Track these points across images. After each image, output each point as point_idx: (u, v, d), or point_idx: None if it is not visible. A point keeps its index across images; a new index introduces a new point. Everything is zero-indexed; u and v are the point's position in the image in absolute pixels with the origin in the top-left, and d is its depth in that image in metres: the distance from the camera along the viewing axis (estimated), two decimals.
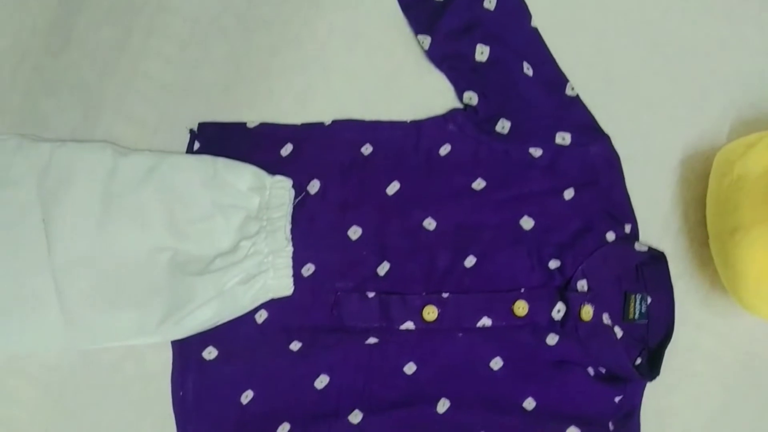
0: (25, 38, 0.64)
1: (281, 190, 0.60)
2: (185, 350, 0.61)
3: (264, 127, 0.63)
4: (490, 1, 0.64)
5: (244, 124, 0.63)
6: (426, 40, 0.64)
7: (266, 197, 0.59)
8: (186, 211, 0.60)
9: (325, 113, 0.64)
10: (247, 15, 0.65)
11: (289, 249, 0.60)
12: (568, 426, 0.60)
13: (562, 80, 0.64)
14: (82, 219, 0.59)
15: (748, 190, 0.55)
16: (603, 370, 0.62)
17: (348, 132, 0.63)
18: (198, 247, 0.60)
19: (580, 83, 0.64)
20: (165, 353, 0.61)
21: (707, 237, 0.64)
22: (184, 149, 0.63)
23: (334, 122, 0.64)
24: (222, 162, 0.60)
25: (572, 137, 0.63)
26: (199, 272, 0.58)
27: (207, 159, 0.61)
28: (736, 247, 0.55)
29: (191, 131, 0.63)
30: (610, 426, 0.61)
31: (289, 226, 0.60)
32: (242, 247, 0.58)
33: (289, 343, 0.62)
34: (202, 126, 0.63)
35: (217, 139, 0.63)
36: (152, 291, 0.59)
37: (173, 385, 0.61)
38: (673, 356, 0.62)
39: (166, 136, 0.63)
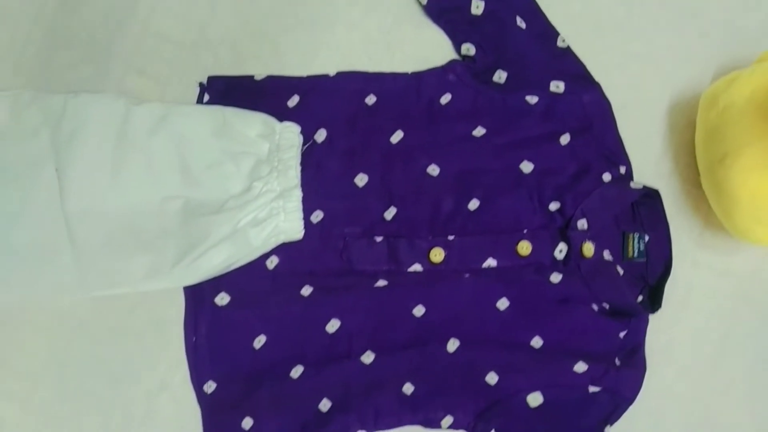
0: None
1: (291, 134, 0.62)
2: (198, 296, 0.62)
3: (271, 79, 0.65)
4: None
5: (252, 77, 0.65)
6: None
7: (276, 141, 0.61)
8: (197, 159, 0.61)
9: (329, 67, 0.66)
10: None
11: (299, 193, 0.62)
12: (575, 362, 0.61)
13: (553, 33, 0.67)
14: (94, 168, 0.60)
15: (734, 117, 0.58)
16: (606, 306, 0.63)
17: (352, 83, 0.66)
18: (210, 193, 0.61)
19: (570, 36, 0.67)
20: (177, 300, 0.62)
21: (698, 178, 0.66)
22: (194, 103, 0.64)
23: (339, 74, 0.66)
24: (231, 111, 0.62)
25: (566, 86, 0.66)
26: (212, 213, 0.59)
27: (216, 109, 0.62)
28: (727, 172, 0.58)
29: (200, 85, 0.65)
30: (617, 362, 0.62)
31: (299, 167, 0.62)
32: (254, 187, 0.60)
33: (300, 288, 0.63)
34: (211, 80, 0.65)
35: (225, 92, 0.65)
36: (165, 235, 0.60)
37: (186, 331, 0.62)
38: (672, 293, 0.64)
39: (176, 90, 0.65)
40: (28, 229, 0.59)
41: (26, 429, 0.59)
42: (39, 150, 0.60)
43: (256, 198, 0.59)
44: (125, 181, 0.60)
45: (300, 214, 0.61)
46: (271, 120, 0.62)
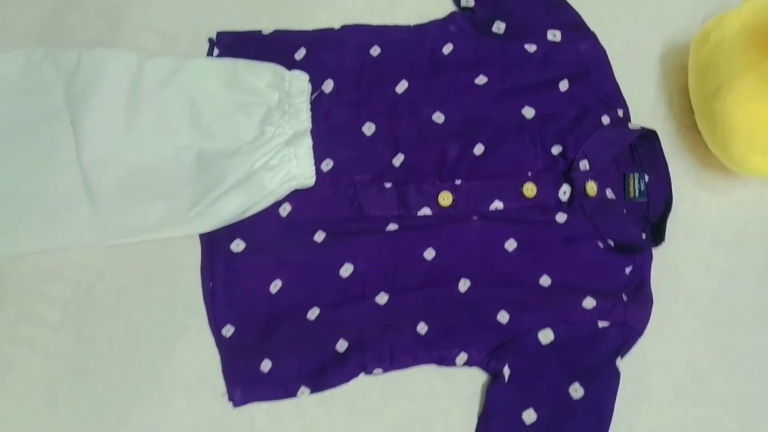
0: None
1: (300, 81, 0.64)
2: (213, 244, 0.63)
3: (278, 33, 0.68)
4: None
5: (260, 31, 0.67)
6: None
7: (286, 88, 0.63)
8: (209, 110, 0.63)
9: (334, 22, 0.68)
10: None
11: (309, 139, 0.63)
12: (584, 298, 0.63)
13: None
14: (109, 120, 0.62)
15: (726, 51, 0.60)
16: (612, 243, 0.65)
17: (357, 35, 0.68)
18: (222, 143, 0.62)
19: None
20: (193, 248, 0.63)
21: (693, 121, 0.69)
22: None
23: (344, 27, 0.68)
24: (241, 63, 0.64)
25: (562, 35, 0.69)
26: (226, 158, 0.60)
27: (227, 61, 0.64)
28: (722, 104, 0.60)
29: (210, 40, 0.67)
30: (624, 297, 0.64)
31: (309, 111, 0.63)
32: (267, 131, 0.61)
33: (313, 234, 0.64)
34: (220, 35, 0.67)
35: (234, 47, 0.67)
36: (181, 182, 0.61)
37: (203, 278, 0.63)
38: (673, 231, 0.66)
39: (186, 45, 0.67)
40: (45, 181, 0.61)
41: (47, 375, 0.60)
42: (54, 104, 0.62)
43: (269, 141, 0.61)
44: (139, 132, 0.62)
45: (311, 160, 0.63)
46: (280, 69, 0.64)
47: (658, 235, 0.65)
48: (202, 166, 0.61)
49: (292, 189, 0.63)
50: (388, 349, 0.61)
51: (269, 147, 0.61)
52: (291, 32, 0.67)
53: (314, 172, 0.63)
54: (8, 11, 0.67)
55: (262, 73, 0.63)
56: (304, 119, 0.62)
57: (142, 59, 0.63)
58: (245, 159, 0.60)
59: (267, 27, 0.67)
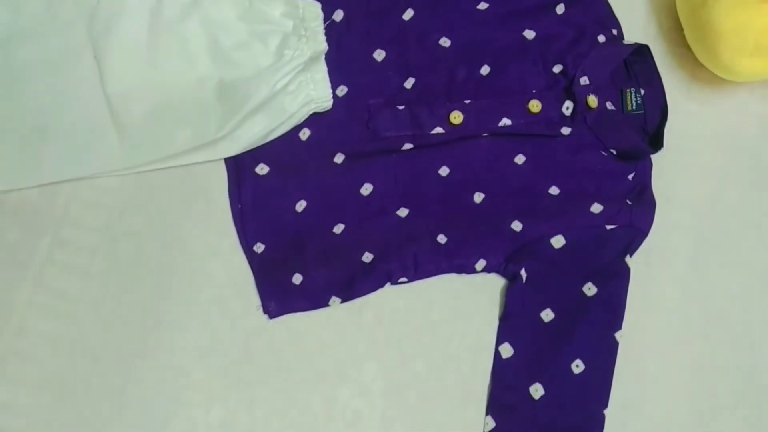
0: None
1: (313, 7, 0.66)
2: (239, 167, 0.66)
3: None
4: None
5: None
6: None
7: (300, 15, 0.66)
8: (227, 41, 0.65)
9: None
10: None
11: (324, 63, 0.66)
12: (591, 204, 0.67)
13: None
14: (131, 53, 0.64)
15: None
16: (614, 152, 0.69)
17: None
18: (242, 71, 0.65)
19: None
20: (219, 172, 0.66)
21: (682, 39, 0.73)
22: None
23: None
24: None
25: None
26: (247, 80, 0.63)
27: None
28: (710, 11, 0.64)
29: None
30: (628, 201, 0.68)
31: (324, 35, 0.66)
32: (285, 54, 0.64)
33: (333, 156, 0.67)
34: None
35: None
36: (205, 108, 0.64)
37: (231, 198, 0.66)
38: (669, 141, 0.69)
39: None
40: (73, 113, 0.63)
41: (87, 297, 0.62)
42: (77, 40, 0.64)
43: (288, 63, 0.63)
44: (161, 63, 0.64)
45: (327, 83, 0.66)
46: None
47: (656, 143, 0.69)
48: (224, 93, 0.64)
49: (311, 112, 0.66)
50: (411, 259, 0.65)
51: (288, 69, 0.63)
52: None
53: (331, 94, 0.66)
54: None
55: (276, 3, 0.66)
56: (320, 41, 0.65)
57: None
58: (266, 81, 0.63)
59: None
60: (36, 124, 0.63)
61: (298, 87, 0.65)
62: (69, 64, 0.63)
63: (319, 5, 0.67)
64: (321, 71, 0.66)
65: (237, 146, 0.64)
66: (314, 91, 0.65)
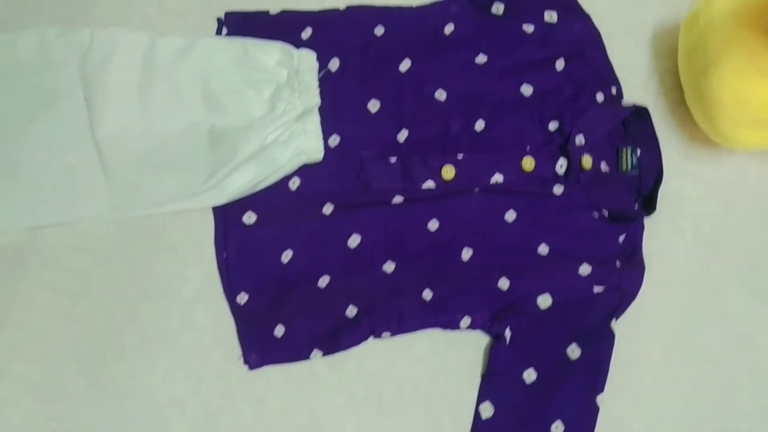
0: None
1: (308, 58, 0.66)
2: (226, 215, 0.66)
3: (285, 14, 0.70)
4: None
5: (267, 11, 0.69)
6: None
7: (295, 65, 0.65)
8: (220, 87, 0.65)
9: (339, 2, 0.70)
10: None
11: (317, 115, 0.66)
12: (580, 265, 0.67)
13: None
14: (122, 96, 0.64)
15: (715, 30, 0.63)
16: (606, 213, 0.68)
17: (361, 15, 0.70)
18: (233, 119, 0.65)
19: None
20: (206, 220, 0.65)
21: (682, 98, 0.72)
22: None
23: (349, 7, 0.71)
24: (250, 42, 0.66)
25: (558, 15, 0.72)
26: (238, 133, 0.63)
27: (236, 40, 0.66)
28: (710, 80, 0.63)
29: (219, 20, 0.69)
30: (617, 263, 0.68)
31: (318, 87, 0.66)
32: (278, 107, 0.64)
33: (322, 206, 0.67)
34: (229, 15, 0.69)
35: (242, 27, 0.69)
36: (194, 156, 0.63)
37: (217, 247, 0.66)
38: (663, 201, 0.69)
39: (194, 25, 0.69)
40: (60, 156, 0.63)
41: (67, 340, 0.62)
42: (68, 81, 0.64)
43: (280, 117, 0.63)
44: (152, 109, 0.64)
45: (320, 134, 0.65)
46: (288, 47, 0.66)
47: (649, 206, 0.69)
48: (214, 141, 0.64)
49: (302, 163, 0.65)
50: (396, 313, 0.65)
51: (280, 122, 0.63)
52: (297, 12, 0.69)
53: (323, 147, 0.66)
54: None
55: (271, 51, 0.65)
56: (314, 95, 0.65)
57: (154, 38, 0.64)
58: (257, 134, 0.63)
59: (273, 7, 0.69)
60: (21, 164, 0.62)
61: (290, 138, 0.64)
62: (58, 105, 0.63)
63: (314, 55, 0.67)
64: (314, 123, 0.65)
65: (225, 196, 0.64)
66: (306, 143, 0.65)
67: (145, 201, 0.63)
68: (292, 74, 0.65)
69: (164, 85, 0.64)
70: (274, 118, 0.63)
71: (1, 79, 0.63)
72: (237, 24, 0.69)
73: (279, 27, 0.69)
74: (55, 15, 0.68)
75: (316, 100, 0.65)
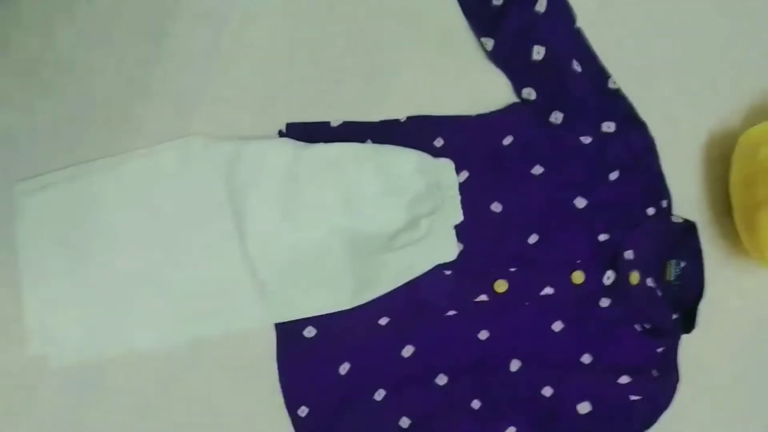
0: (118, 48, 0.68)
1: (449, 170, 0.67)
2: (288, 331, 0.68)
3: (346, 125, 0.69)
4: (540, 4, 0.71)
5: (328, 123, 0.69)
6: (489, 42, 0.71)
7: (435, 178, 0.67)
8: (359, 193, 0.66)
9: (399, 111, 0.70)
10: (325, 27, 0.70)
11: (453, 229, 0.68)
12: (620, 376, 0.70)
13: (605, 75, 0.72)
14: (269, 210, 0.66)
15: None
16: (648, 326, 0.71)
17: (421, 127, 0.70)
18: (373, 225, 0.67)
19: (618, 77, 0.72)
20: (268, 334, 0.68)
21: (729, 209, 0.74)
22: None
23: (409, 118, 0.70)
24: (388, 148, 0.67)
25: (616, 126, 0.72)
26: (383, 250, 0.65)
27: (375, 147, 0.67)
28: (763, 219, 0.65)
29: (280, 132, 0.69)
30: (654, 373, 0.71)
31: (460, 207, 0.68)
32: (422, 225, 0.65)
33: (378, 319, 0.69)
34: (290, 126, 0.69)
35: (303, 138, 0.68)
36: (340, 268, 0.66)
37: (279, 363, 0.68)
38: (704, 314, 0.71)
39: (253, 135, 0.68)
40: (211, 270, 0.65)
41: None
42: (216, 197, 0.65)
43: (426, 237, 0.65)
44: (296, 220, 0.66)
45: (455, 240, 0.68)
46: (425, 156, 0.67)
47: (688, 323, 0.71)
48: (359, 252, 0.66)
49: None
50: (448, 425, 0.68)
51: (427, 243, 0.65)
52: (359, 123, 0.69)
53: (457, 249, 0.68)
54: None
55: (408, 158, 0.67)
56: (458, 214, 0.67)
57: (298, 148, 0.65)
58: (405, 253, 0.65)
59: (335, 119, 0.69)
60: (171, 280, 0.65)
61: (429, 249, 0.66)
62: (208, 221, 0.65)
63: (452, 165, 0.68)
64: (450, 234, 0.67)
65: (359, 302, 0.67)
66: (442, 253, 0.67)
67: (295, 309, 0.66)
68: (432, 184, 0.66)
69: (307, 196, 0.66)
70: (418, 238, 0.65)
71: (146, 194, 0.64)
72: (298, 135, 0.69)
73: (340, 138, 0.69)
74: (113, 129, 0.67)
75: (461, 218, 0.67)
